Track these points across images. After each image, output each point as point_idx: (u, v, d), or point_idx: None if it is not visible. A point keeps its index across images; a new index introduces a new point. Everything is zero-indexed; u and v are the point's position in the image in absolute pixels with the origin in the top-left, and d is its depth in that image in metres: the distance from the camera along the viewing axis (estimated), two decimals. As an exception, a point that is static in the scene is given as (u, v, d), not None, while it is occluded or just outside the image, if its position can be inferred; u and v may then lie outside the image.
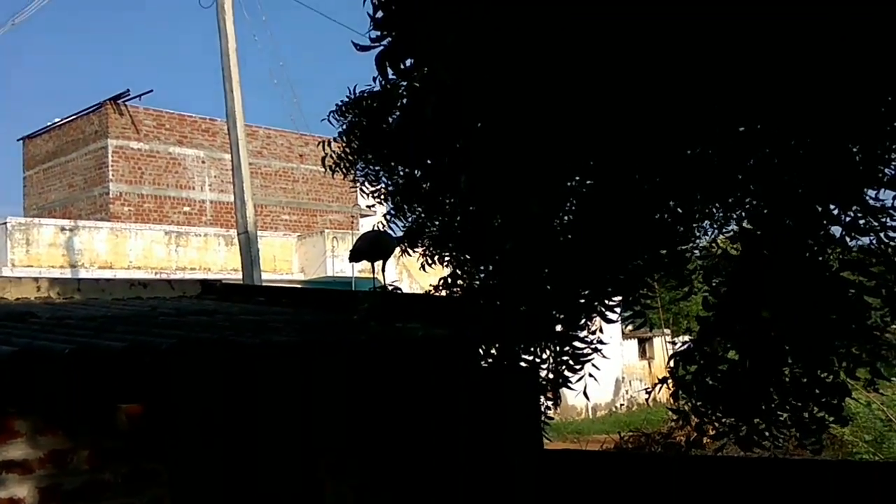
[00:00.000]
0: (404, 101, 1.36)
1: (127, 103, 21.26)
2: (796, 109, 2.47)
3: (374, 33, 1.31)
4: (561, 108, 1.58)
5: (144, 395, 3.43)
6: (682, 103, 2.49)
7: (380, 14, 1.31)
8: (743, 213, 3.07)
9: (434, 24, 1.17)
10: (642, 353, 27.42)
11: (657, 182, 2.71)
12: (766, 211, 2.75)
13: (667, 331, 24.99)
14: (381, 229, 5.08)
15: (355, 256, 5.74)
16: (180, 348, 3.23)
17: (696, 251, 3.11)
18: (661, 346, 24.26)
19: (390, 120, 1.43)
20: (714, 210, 3.38)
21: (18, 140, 24.74)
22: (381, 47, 1.28)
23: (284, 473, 3.97)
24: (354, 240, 6.09)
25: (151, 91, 22.10)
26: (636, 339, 26.64)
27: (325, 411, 4.06)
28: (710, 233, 3.50)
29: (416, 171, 3.60)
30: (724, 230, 3.36)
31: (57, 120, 23.17)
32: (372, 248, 5.51)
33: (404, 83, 1.33)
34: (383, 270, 5.80)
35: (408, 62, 1.33)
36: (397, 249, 5.13)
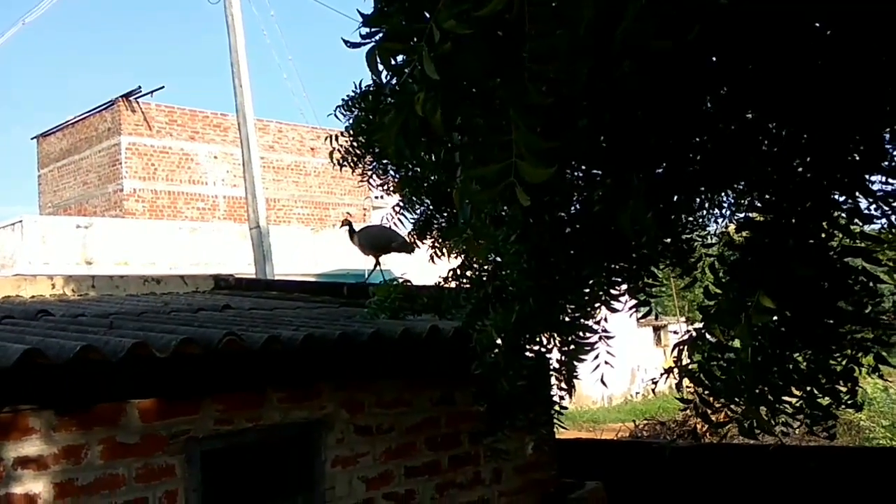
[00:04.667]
0: (391, 98, 1.37)
1: (139, 100, 21.37)
2: (800, 95, 2.46)
3: (365, 30, 1.33)
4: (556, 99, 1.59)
5: (156, 390, 3.47)
6: (688, 91, 2.48)
7: (370, 11, 1.33)
8: (754, 201, 3.05)
9: (421, 19, 1.19)
10: (657, 341, 27.39)
11: (661, 171, 2.70)
12: (770, 198, 2.74)
13: (682, 318, 24.93)
14: (382, 223, 5.12)
15: (363, 250, 5.81)
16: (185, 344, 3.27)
17: (701, 239, 3.11)
18: (677, 334, 24.21)
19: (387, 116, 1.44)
20: (724, 197, 3.37)
21: (32, 139, 24.95)
22: (372, 44, 1.30)
23: (291, 462, 4.01)
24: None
25: (163, 87, 22.23)
26: (651, 328, 26.61)
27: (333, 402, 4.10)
28: (720, 221, 3.49)
29: (416, 167, 3.61)
30: (734, 218, 3.36)
31: (70, 118, 23.33)
32: (374, 241, 5.57)
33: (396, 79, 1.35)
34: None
35: (399, 58, 1.34)
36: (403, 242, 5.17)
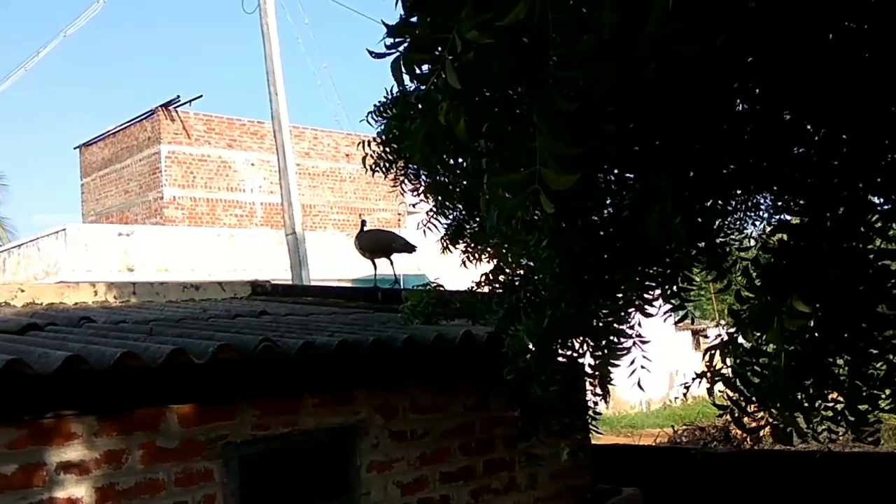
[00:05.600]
0: (419, 106, 1.38)
1: (178, 109, 21.73)
2: (834, 97, 2.42)
3: (390, 40, 1.35)
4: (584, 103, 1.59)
5: (194, 396, 3.53)
6: (718, 93, 2.46)
7: (394, 21, 1.35)
8: (790, 204, 3.01)
9: (445, 29, 1.20)
10: (696, 345, 27.02)
11: (692, 175, 2.68)
12: (805, 201, 2.70)
13: (721, 322, 24.54)
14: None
15: (363, 254, 5.89)
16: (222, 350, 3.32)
17: (737, 242, 3.07)
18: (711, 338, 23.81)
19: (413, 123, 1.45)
20: (762, 200, 3.33)
21: (75, 148, 25.49)
22: (397, 54, 1.31)
23: (326, 467, 4.04)
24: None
25: (201, 96, 22.53)
26: (689, 332, 26.26)
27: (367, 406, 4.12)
28: (758, 224, 3.45)
29: (446, 173, 3.62)
30: (771, 221, 3.31)
31: (111, 127, 23.78)
32: (374, 244, 5.63)
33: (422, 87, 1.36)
34: (392, 265, 5.98)
35: (424, 67, 1.36)
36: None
